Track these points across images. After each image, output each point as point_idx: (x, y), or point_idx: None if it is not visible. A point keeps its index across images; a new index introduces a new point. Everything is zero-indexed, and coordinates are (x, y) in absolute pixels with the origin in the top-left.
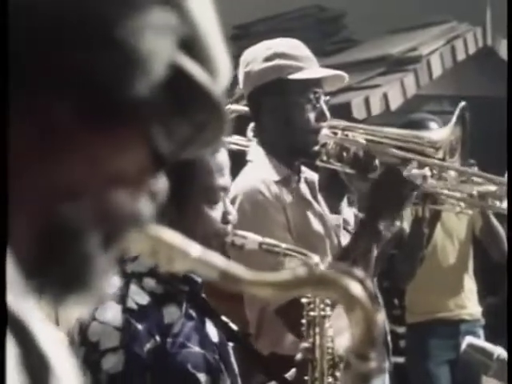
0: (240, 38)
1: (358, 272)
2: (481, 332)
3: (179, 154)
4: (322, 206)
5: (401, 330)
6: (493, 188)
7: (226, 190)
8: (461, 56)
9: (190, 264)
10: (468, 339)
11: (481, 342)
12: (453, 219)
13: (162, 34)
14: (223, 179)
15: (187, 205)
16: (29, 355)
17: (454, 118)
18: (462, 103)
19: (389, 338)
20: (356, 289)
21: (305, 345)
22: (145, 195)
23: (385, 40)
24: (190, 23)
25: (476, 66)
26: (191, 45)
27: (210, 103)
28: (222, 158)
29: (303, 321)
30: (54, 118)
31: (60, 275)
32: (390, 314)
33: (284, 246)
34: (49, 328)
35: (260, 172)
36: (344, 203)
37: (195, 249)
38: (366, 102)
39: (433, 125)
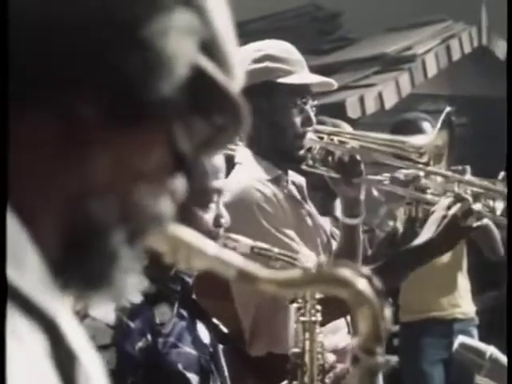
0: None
1: (365, 269)
2: (475, 331)
3: (198, 154)
4: (311, 208)
5: (394, 328)
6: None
7: (219, 192)
8: (456, 55)
9: (207, 262)
10: (460, 338)
11: (473, 341)
12: None
13: (185, 35)
14: (217, 182)
15: (179, 205)
16: (57, 350)
17: (439, 123)
18: (448, 108)
19: None
20: (364, 286)
21: (295, 350)
22: (165, 194)
23: (380, 39)
24: (208, 24)
25: (471, 65)
26: (210, 46)
27: (230, 104)
28: (218, 160)
29: (294, 326)
30: (78, 117)
31: (85, 272)
32: None
33: (276, 250)
34: (75, 324)
35: (251, 172)
36: (337, 203)
37: (212, 247)
38: (361, 100)
39: (426, 125)
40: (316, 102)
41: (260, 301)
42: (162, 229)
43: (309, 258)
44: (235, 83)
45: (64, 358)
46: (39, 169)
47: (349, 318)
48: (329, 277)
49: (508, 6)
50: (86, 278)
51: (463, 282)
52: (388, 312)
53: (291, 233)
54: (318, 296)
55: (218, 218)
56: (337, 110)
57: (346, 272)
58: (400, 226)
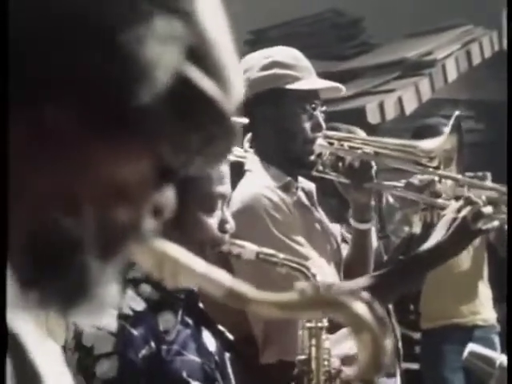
0: (255, 43)
1: (366, 294)
2: (496, 338)
3: (187, 167)
4: (321, 214)
5: (416, 335)
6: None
7: (224, 197)
8: (476, 60)
9: (194, 280)
10: (470, 347)
11: (483, 349)
12: None
13: (165, 42)
14: (222, 187)
15: (183, 211)
16: (22, 370)
17: (449, 128)
18: (457, 112)
19: (400, 344)
20: (363, 311)
21: (301, 357)
22: (148, 208)
23: (401, 44)
24: (198, 34)
25: (492, 69)
26: (200, 56)
27: (218, 115)
28: (223, 166)
29: (299, 332)
30: (55, 126)
31: (61, 287)
32: (406, 320)
33: (282, 256)
34: (45, 342)
35: (261, 179)
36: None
37: (200, 264)
38: (381, 106)
39: (447, 129)
40: (324, 108)
41: None
42: (147, 243)
43: (319, 264)
44: (231, 95)
45: (28, 378)
46: (12, 179)
47: None
48: (327, 301)
49: (508, 6)
50: (63, 292)
51: (484, 290)
52: (389, 342)
53: (301, 239)
54: None
55: (222, 223)
56: (356, 116)
57: (345, 296)
58: (416, 232)
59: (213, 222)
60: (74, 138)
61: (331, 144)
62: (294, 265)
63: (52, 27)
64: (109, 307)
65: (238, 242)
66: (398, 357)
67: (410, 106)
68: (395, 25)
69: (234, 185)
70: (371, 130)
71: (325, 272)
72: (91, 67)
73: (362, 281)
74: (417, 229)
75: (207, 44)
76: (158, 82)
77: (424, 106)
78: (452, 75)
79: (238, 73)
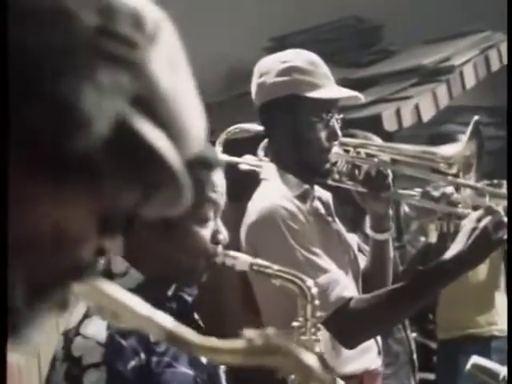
0: (275, 50)
1: (317, 346)
2: None
3: (136, 212)
4: (338, 225)
5: (434, 345)
6: None
7: (217, 206)
8: (495, 66)
9: (135, 321)
10: (473, 359)
11: (487, 362)
12: None
13: (107, 93)
14: (214, 194)
15: (175, 221)
16: None
17: (468, 133)
18: (476, 117)
19: (415, 356)
20: (312, 361)
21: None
22: (89, 251)
23: (418, 50)
24: (148, 85)
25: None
26: (148, 106)
27: (162, 164)
28: (217, 177)
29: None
30: (8, 162)
31: None
32: (425, 329)
33: (276, 267)
34: None
35: (278, 188)
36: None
37: (142, 307)
38: (397, 113)
39: (466, 135)
40: (341, 116)
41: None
42: (87, 284)
43: (338, 275)
44: (185, 144)
45: None
46: None
47: (378, 338)
48: (274, 349)
49: (508, 8)
50: None
51: (501, 300)
52: None
53: (318, 250)
54: (318, 314)
55: (215, 234)
56: (373, 124)
57: (293, 346)
58: (432, 242)
59: (206, 233)
60: (16, 179)
61: (347, 151)
62: (289, 276)
63: None
64: (35, 347)
65: (232, 253)
66: (412, 369)
67: (428, 113)
68: (415, 32)
69: (249, 194)
70: (388, 137)
71: (344, 284)
72: (30, 114)
73: (383, 294)
74: (433, 238)
75: (158, 95)
76: (95, 130)
77: (442, 113)
78: (470, 82)
79: (198, 120)
